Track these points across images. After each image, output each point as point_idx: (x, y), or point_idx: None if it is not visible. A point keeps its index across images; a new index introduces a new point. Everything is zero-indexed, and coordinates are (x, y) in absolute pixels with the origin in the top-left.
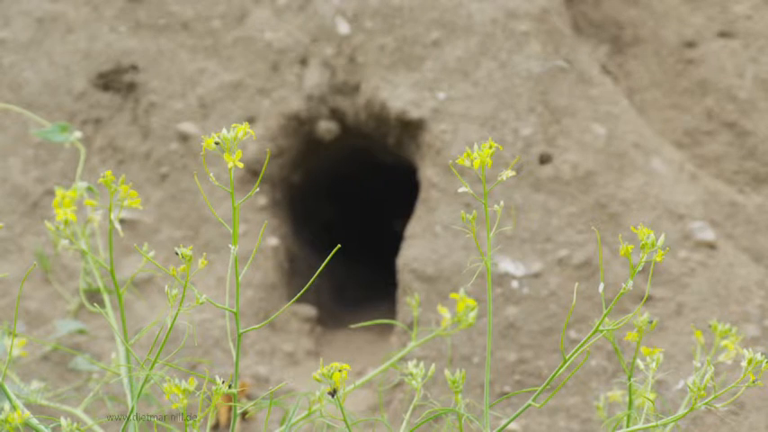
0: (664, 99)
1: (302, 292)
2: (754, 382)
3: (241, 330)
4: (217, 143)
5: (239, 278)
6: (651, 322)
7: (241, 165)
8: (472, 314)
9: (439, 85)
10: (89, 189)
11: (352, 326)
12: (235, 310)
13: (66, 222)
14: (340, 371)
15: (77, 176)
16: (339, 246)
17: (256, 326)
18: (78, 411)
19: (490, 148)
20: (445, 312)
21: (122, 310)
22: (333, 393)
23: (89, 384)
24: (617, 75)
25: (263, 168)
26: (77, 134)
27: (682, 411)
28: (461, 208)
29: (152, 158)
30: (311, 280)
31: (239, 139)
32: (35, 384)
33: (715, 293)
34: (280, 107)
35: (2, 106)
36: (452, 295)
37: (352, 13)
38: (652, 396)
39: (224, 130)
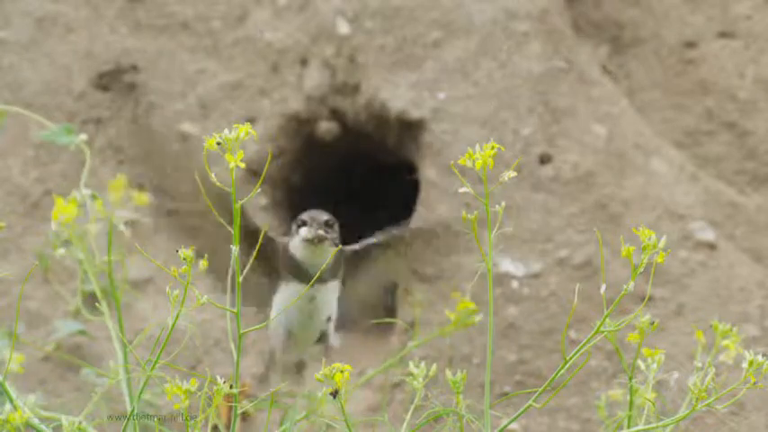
0: (664, 99)
1: (303, 292)
2: (755, 384)
3: (242, 331)
4: (219, 143)
5: (240, 278)
6: (652, 323)
7: (243, 165)
8: (478, 318)
9: (439, 85)
10: (93, 197)
11: (352, 326)
12: (235, 310)
13: (65, 226)
14: (342, 372)
15: (81, 182)
16: (339, 246)
17: (257, 326)
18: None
19: (492, 148)
20: (452, 316)
21: (119, 312)
22: (335, 394)
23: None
24: (617, 75)
25: (265, 169)
26: (83, 136)
27: (682, 412)
28: (461, 208)
29: None
30: (312, 280)
31: (241, 140)
32: (32, 397)
33: (715, 294)
34: (280, 107)
35: (2, 107)
36: (453, 295)
37: (352, 13)
38: (652, 396)
39: (226, 131)
